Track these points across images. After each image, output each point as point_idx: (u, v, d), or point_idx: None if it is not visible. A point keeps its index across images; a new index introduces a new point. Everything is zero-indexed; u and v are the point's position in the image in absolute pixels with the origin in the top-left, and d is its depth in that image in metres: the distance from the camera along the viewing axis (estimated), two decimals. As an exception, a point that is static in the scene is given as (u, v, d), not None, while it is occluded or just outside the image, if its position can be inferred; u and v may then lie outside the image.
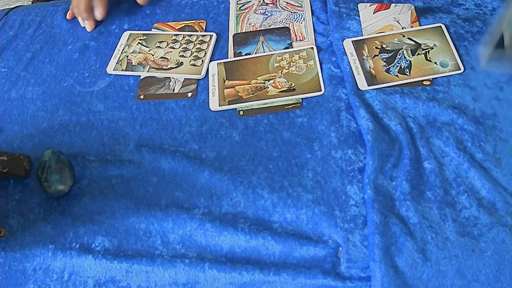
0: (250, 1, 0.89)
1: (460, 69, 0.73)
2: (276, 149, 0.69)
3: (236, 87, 0.76)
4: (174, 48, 0.83)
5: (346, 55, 0.76)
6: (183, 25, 0.88)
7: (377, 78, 0.73)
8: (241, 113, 0.74)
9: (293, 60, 0.77)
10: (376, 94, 0.72)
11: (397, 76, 0.73)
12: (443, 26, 0.78)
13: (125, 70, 0.82)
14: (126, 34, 0.88)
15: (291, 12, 0.86)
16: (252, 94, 0.74)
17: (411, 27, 0.79)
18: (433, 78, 0.73)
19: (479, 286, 0.55)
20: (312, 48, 0.79)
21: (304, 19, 0.84)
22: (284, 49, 0.80)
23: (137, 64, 0.82)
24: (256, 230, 0.61)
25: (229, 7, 0.89)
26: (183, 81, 0.79)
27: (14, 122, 0.78)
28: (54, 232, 0.65)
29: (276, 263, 0.60)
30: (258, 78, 0.76)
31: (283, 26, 0.84)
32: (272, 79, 0.76)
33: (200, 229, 0.63)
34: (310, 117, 0.72)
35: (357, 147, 0.67)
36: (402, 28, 0.79)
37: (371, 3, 0.84)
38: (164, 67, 0.81)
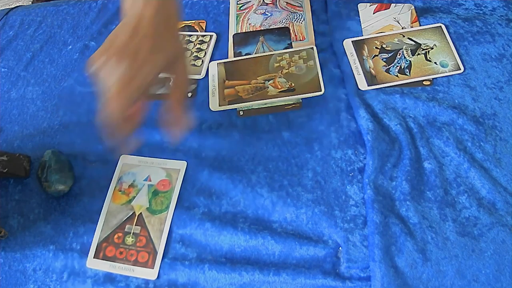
0: (250, 1, 0.89)
1: (460, 69, 0.73)
2: (276, 149, 0.69)
3: (236, 87, 0.76)
4: (174, 48, 0.83)
5: (346, 55, 0.76)
6: (183, 25, 0.88)
7: (377, 78, 0.73)
8: (241, 113, 0.73)
9: (293, 60, 0.77)
10: (376, 94, 0.72)
11: (397, 76, 0.73)
12: (443, 26, 0.78)
13: (125, 70, 0.82)
14: (126, 34, 0.87)
15: (291, 12, 0.86)
16: (252, 94, 0.74)
17: (411, 27, 0.79)
18: (433, 78, 0.73)
19: (479, 286, 0.55)
20: (312, 48, 0.79)
21: (304, 19, 0.84)
22: (284, 49, 0.80)
23: (137, 64, 0.82)
24: (256, 230, 0.61)
25: (229, 7, 0.89)
26: (183, 81, 0.79)
27: (14, 122, 0.78)
28: (54, 232, 0.65)
29: (276, 263, 0.60)
30: (258, 78, 0.76)
31: (283, 26, 0.83)
32: (272, 79, 0.76)
33: (200, 229, 0.63)
34: (310, 117, 0.72)
35: (357, 147, 0.67)
36: (402, 28, 0.79)
37: (371, 3, 0.84)
38: (164, 67, 0.81)
